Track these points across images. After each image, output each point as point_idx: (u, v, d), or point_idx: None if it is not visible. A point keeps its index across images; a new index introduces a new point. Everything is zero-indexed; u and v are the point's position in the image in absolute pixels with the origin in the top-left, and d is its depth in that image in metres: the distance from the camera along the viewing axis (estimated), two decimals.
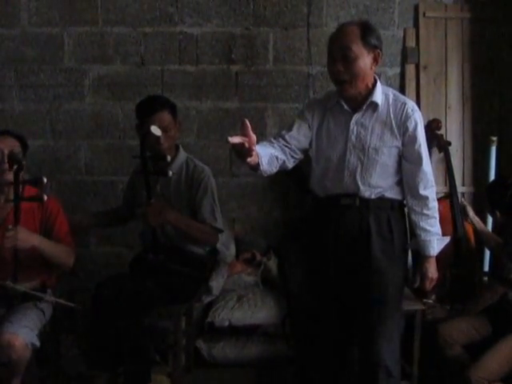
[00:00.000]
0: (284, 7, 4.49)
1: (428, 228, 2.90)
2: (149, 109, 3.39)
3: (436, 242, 2.91)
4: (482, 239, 3.89)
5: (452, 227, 4.02)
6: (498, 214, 3.52)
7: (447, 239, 3.00)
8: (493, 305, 3.51)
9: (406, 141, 2.85)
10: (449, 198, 4.13)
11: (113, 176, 4.49)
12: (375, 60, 2.77)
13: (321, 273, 2.98)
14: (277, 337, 4.00)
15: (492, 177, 4.12)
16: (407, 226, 3.00)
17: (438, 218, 2.95)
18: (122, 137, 4.46)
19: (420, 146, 2.85)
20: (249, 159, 2.54)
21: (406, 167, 2.89)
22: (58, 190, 4.42)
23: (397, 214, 2.93)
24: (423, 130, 2.90)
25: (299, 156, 2.95)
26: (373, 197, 2.87)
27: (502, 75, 4.58)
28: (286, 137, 2.90)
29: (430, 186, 2.89)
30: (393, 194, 2.91)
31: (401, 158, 2.89)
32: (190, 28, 4.46)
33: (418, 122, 2.84)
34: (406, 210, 3.00)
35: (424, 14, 4.53)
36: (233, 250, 4.30)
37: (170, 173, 3.25)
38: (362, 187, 2.86)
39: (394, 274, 2.89)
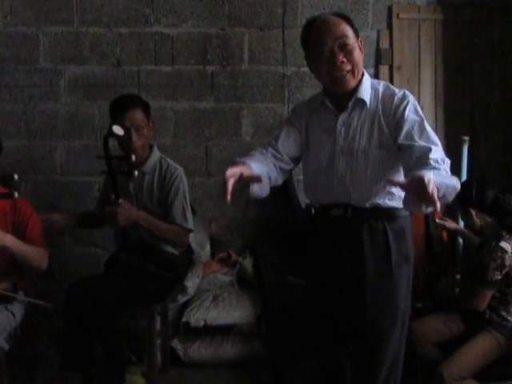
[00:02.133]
0: (259, 8, 4.47)
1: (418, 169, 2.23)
2: (120, 106, 3.35)
3: (429, 171, 2.14)
4: (466, 241, 3.84)
5: (424, 225, 3.97)
6: (473, 213, 3.42)
7: (456, 180, 2.24)
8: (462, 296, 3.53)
9: (396, 131, 2.46)
10: None
11: (89, 177, 4.42)
12: (360, 49, 2.52)
13: (314, 289, 2.73)
14: (252, 336, 3.96)
15: (464, 177, 4.06)
16: (409, 239, 2.60)
17: (441, 169, 2.24)
18: (97, 137, 4.40)
19: (410, 128, 2.41)
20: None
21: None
22: (34, 191, 4.38)
23: (395, 225, 2.53)
24: (417, 112, 2.45)
25: (290, 167, 2.66)
26: (367, 206, 2.51)
27: (474, 76, 4.61)
28: (277, 145, 2.60)
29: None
30: (390, 202, 2.53)
31: (397, 161, 2.50)
32: (165, 28, 4.43)
33: (406, 107, 2.45)
34: (408, 220, 2.61)
35: (398, 16, 4.53)
36: (208, 249, 4.28)
37: (136, 173, 3.20)
38: (353, 195, 2.51)
39: (392, 294, 2.54)
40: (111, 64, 4.41)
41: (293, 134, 2.64)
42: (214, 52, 4.47)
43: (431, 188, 1.94)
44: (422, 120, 2.44)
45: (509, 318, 3.27)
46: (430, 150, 2.31)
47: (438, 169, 2.22)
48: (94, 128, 4.42)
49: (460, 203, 3.44)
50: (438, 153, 2.32)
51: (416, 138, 2.38)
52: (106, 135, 3.20)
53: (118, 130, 3.15)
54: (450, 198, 2.18)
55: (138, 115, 3.35)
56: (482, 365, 3.16)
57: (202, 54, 4.46)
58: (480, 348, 3.17)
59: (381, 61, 4.55)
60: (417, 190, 1.98)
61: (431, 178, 1.98)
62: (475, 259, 3.40)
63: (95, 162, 4.16)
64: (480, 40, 4.58)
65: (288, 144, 2.62)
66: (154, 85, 4.45)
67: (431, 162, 2.25)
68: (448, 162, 2.31)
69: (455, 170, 4.13)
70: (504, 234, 3.30)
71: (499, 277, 3.22)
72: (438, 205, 1.99)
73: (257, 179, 2.26)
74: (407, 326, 2.66)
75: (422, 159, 2.29)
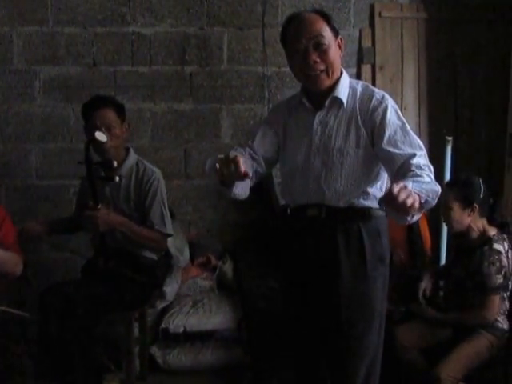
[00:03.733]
0: (238, 7, 4.50)
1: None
2: (91, 106, 3.39)
3: (409, 180, 2.19)
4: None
5: (406, 228, 4.05)
6: (475, 209, 3.39)
7: (435, 184, 2.27)
8: (446, 305, 3.56)
9: (376, 138, 2.51)
10: None
11: (64, 180, 4.43)
12: (339, 47, 2.57)
13: (289, 292, 2.78)
14: (233, 342, 3.99)
15: (447, 177, 4.13)
16: (385, 239, 2.63)
17: (423, 176, 2.27)
18: (73, 140, 4.42)
19: (393, 134, 2.46)
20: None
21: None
22: (8, 195, 4.40)
23: (370, 225, 2.58)
24: (398, 117, 2.51)
25: (263, 171, 2.70)
26: (341, 205, 2.55)
27: (458, 75, 4.65)
28: (254, 145, 2.67)
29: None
30: (365, 201, 2.58)
31: (373, 160, 2.56)
32: (142, 28, 4.45)
33: (386, 111, 2.50)
34: (384, 220, 2.64)
35: (380, 14, 4.57)
36: (187, 254, 4.27)
37: (117, 178, 3.24)
38: (327, 194, 2.55)
39: (368, 295, 2.58)
40: (87, 65, 4.43)
41: (269, 136, 2.70)
42: (192, 52, 4.49)
43: (401, 198, 1.97)
44: (403, 124, 2.50)
45: (499, 319, 3.33)
46: (413, 155, 2.36)
47: (420, 175, 2.25)
48: (69, 130, 4.43)
49: (464, 196, 3.40)
50: (421, 158, 2.36)
51: (399, 144, 2.43)
52: (88, 142, 3.22)
53: (100, 136, 3.18)
54: (434, 202, 2.21)
55: (109, 114, 3.39)
56: (474, 367, 3.22)
57: (180, 55, 4.49)
58: (473, 350, 3.23)
59: (363, 60, 4.59)
60: (390, 202, 2.01)
61: (403, 186, 2.01)
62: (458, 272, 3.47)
63: (71, 165, 4.32)
64: (463, 38, 4.62)
65: (263, 145, 2.68)
66: (131, 86, 4.47)
67: (414, 168, 2.30)
68: (431, 168, 2.36)
69: (439, 170, 4.27)
70: (493, 235, 3.36)
71: (501, 280, 3.28)
72: (415, 215, 2.11)
73: (246, 176, 2.21)
74: (384, 327, 2.69)
75: (406, 166, 2.35)
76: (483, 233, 3.42)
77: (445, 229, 4.14)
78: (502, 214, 3.70)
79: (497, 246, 3.32)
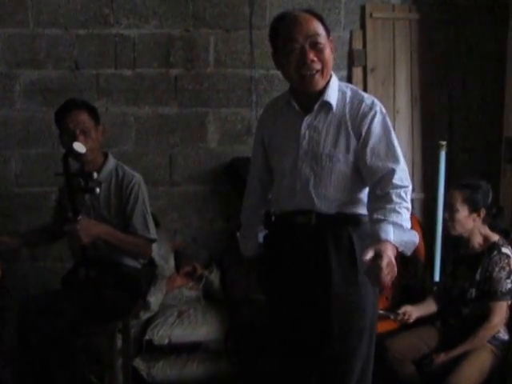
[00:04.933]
0: (225, 8, 4.49)
1: (380, 217, 2.38)
2: (63, 109, 3.38)
3: (391, 227, 2.33)
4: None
5: None
6: (482, 214, 3.44)
7: (414, 234, 2.41)
8: (442, 316, 3.61)
9: (361, 144, 2.54)
10: None
11: (46, 187, 4.41)
12: (331, 49, 2.55)
13: (277, 301, 2.77)
14: (220, 354, 3.97)
15: (442, 182, 4.14)
16: None
17: (402, 214, 2.40)
18: (55, 145, 4.36)
19: (377, 143, 2.52)
20: None
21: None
22: None
23: (361, 231, 2.58)
24: (385, 126, 2.55)
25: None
26: (331, 212, 2.56)
27: (451, 78, 4.66)
28: (262, 175, 2.83)
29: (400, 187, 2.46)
30: (355, 208, 2.61)
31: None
32: (126, 30, 4.44)
33: (374, 118, 2.53)
34: None
35: (371, 15, 4.57)
36: (172, 262, 4.27)
37: (98, 190, 3.19)
38: (316, 201, 2.56)
39: (359, 303, 2.59)
40: (69, 68, 4.42)
41: (259, 155, 2.81)
42: (177, 54, 4.49)
43: (383, 274, 2.18)
44: (389, 133, 2.54)
45: (501, 329, 3.38)
46: (393, 171, 2.43)
47: (399, 210, 2.37)
48: (50, 136, 4.39)
49: (472, 199, 3.45)
50: (401, 172, 2.44)
51: (381, 155, 2.49)
52: (66, 153, 3.19)
53: (78, 146, 3.15)
54: (409, 252, 2.35)
55: (83, 116, 3.35)
56: (481, 380, 3.27)
57: (164, 57, 4.48)
58: (479, 362, 3.28)
59: (354, 62, 4.59)
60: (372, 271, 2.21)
61: (388, 260, 2.20)
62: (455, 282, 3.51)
63: (52, 171, 4.20)
64: (456, 40, 4.64)
65: (261, 166, 2.81)
66: (114, 89, 4.46)
67: (392, 192, 2.40)
68: (410, 184, 2.46)
69: (432, 175, 4.27)
70: (497, 240, 3.41)
71: (510, 285, 3.32)
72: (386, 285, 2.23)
73: None
74: (375, 336, 2.70)
75: (385, 182, 2.43)
76: (486, 239, 3.46)
77: (439, 236, 4.12)
78: (503, 222, 3.70)
79: (505, 250, 3.37)
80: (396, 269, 2.23)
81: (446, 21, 4.64)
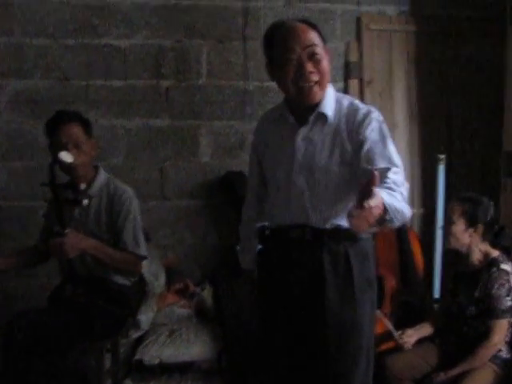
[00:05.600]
0: (218, 18, 4.49)
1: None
2: (55, 122, 3.34)
3: (383, 191, 2.17)
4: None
5: (398, 251, 4.04)
6: (480, 230, 3.40)
7: (407, 208, 2.28)
8: (442, 334, 3.56)
9: (357, 152, 2.46)
10: None
11: (32, 201, 4.34)
12: (327, 58, 2.54)
13: (270, 320, 2.70)
14: (213, 374, 3.91)
15: (441, 197, 4.15)
16: (372, 263, 2.62)
17: (397, 192, 2.26)
18: (42, 158, 4.23)
19: (372, 148, 2.43)
20: None
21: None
22: None
23: (358, 247, 2.55)
24: (381, 133, 2.47)
25: None
26: (326, 227, 2.51)
27: (449, 90, 4.67)
28: (261, 189, 2.78)
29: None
30: None
31: (360, 178, 2.45)
32: (116, 40, 4.42)
33: (370, 125, 2.46)
34: (370, 242, 2.65)
35: (367, 27, 4.58)
36: (163, 279, 4.23)
37: (85, 201, 3.19)
38: (311, 215, 2.51)
39: (356, 321, 2.53)
40: (57, 78, 4.38)
41: (255, 168, 2.77)
42: (169, 66, 4.46)
43: (373, 202, 1.98)
44: (386, 139, 2.47)
45: (502, 348, 3.32)
46: (388, 169, 2.35)
47: (394, 190, 2.25)
48: (37, 148, 4.33)
49: (470, 213, 3.41)
50: (397, 175, 2.35)
51: (376, 159, 2.41)
52: (52, 163, 3.16)
53: (65, 156, 3.12)
54: (397, 223, 2.21)
55: (75, 130, 3.32)
56: None
57: (156, 68, 4.46)
58: (481, 381, 3.25)
59: (350, 75, 4.58)
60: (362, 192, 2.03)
61: (381, 197, 2.06)
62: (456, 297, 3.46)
63: (39, 185, 4.15)
64: (454, 52, 4.66)
65: (258, 178, 2.77)
66: (104, 101, 4.43)
67: (388, 181, 2.29)
68: (407, 186, 2.35)
69: (431, 189, 4.24)
70: (497, 256, 3.37)
71: (510, 302, 3.28)
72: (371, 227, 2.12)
73: None
74: (373, 354, 2.64)
75: (380, 178, 2.29)
76: (486, 255, 3.42)
77: (439, 252, 4.15)
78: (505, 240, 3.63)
79: (504, 267, 3.33)
80: (374, 216, 2.04)
81: (443, 32, 4.66)
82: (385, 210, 2.11)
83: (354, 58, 4.59)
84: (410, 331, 3.56)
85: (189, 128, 4.52)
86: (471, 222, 3.39)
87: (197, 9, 4.45)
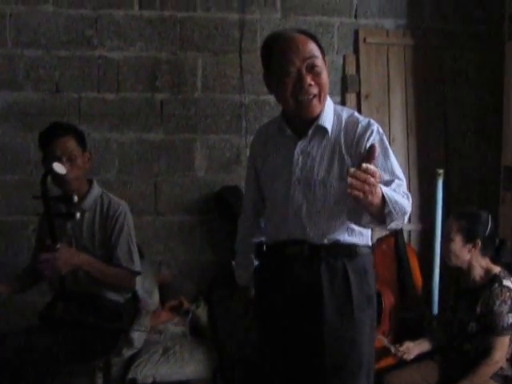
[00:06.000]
0: (214, 30, 4.46)
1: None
2: (50, 134, 3.29)
3: (382, 186, 2.15)
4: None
5: (396, 267, 4.04)
6: (478, 245, 3.38)
7: (407, 204, 2.26)
8: (443, 351, 3.54)
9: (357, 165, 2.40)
10: (393, 236, 4.12)
11: (23, 216, 4.29)
12: (327, 71, 2.51)
13: (267, 337, 2.67)
14: None
15: (439, 211, 4.09)
16: (371, 279, 2.58)
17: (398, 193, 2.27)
18: (33, 172, 4.29)
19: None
20: None
21: None
22: None
23: (357, 263, 2.51)
24: (382, 145, 2.42)
25: None
26: (325, 242, 2.47)
27: (447, 104, 4.67)
28: (258, 203, 2.74)
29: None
30: (351, 237, 2.51)
31: None
32: (110, 52, 4.38)
33: (370, 138, 2.43)
34: (370, 258, 2.61)
35: (364, 40, 4.56)
36: (157, 296, 4.15)
37: (78, 215, 3.13)
38: (309, 230, 2.48)
39: (355, 340, 2.49)
40: (49, 90, 4.33)
41: (252, 182, 2.74)
42: (163, 78, 4.43)
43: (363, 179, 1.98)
44: (386, 152, 2.43)
45: (504, 365, 3.30)
46: (391, 182, 2.32)
47: (395, 191, 2.24)
48: (29, 162, 4.30)
49: (467, 229, 3.40)
50: (400, 188, 2.32)
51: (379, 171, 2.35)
52: (45, 174, 3.11)
53: (59, 167, 3.07)
54: (396, 217, 2.19)
55: (70, 143, 3.28)
56: None
57: (150, 81, 4.42)
58: None
59: (347, 88, 4.56)
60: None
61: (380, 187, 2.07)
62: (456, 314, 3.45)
63: (30, 199, 4.09)
64: (452, 66, 4.67)
65: (255, 192, 2.72)
66: (96, 114, 4.38)
67: (391, 186, 2.28)
68: (410, 196, 2.32)
69: (429, 204, 4.19)
70: (499, 272, 3.35)
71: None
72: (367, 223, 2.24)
73: None
74: (373, 373, 2.60)
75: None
76: (487, 271, 3.40)
77: (437, 268, 4.08)
78: (506, 255, 3.64)
79: (506, 283, 3.31)
80: (372, 183, 2.02)
81: (440, 46, 4.66)
82: (383, 200, 2.11)
83: (351, 71, 4.57)
84: (408, 343, 3.54)
85: (183, 142, 4.47)
86: (469, 238, 3.37)
87: (192, 21, 4.42)
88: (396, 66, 4.60)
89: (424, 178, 4.53)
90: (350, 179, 1.97)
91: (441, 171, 4.10)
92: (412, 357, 3.50)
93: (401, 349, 3.50)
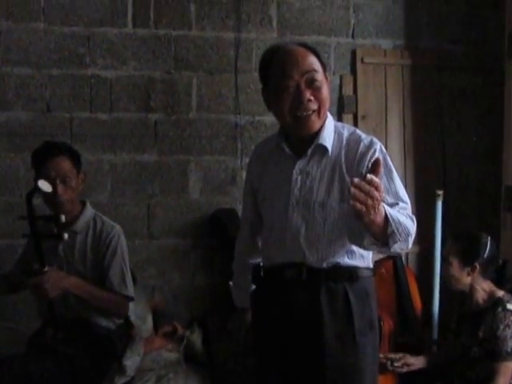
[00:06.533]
0: (209, 50, 4.41)
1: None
2: (44, 154, 3.25)
3: (385, 205, 2.07)
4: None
5: (395, 291, 4.02)
6: (477, 269, 3.34)
7: (411, 225, 2.17)
8: (445, 376, 3.50)
9: None
10: (392, 259, 4.09)
11: (12, 239, 4.16)
12: (328, 86, 2.46)
13: (266, 363, 2.60)
14: None
15: (439, 234, 4.03)
16: (373, 302, 2.52)
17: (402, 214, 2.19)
18: (22, 194, 4.09)
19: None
20: None
21: None
22: None
23: (358, 286, 2.45)
24: (385, 165, 2.31)
25: None
26: (324, 266, 2.41)
27: (445, 125, 4.67)
28: (255, 223, 2.68)
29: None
30: (352, 260, 2.45)
31: None
32: (103, 71, 4.30)
33: (373, 157, 2.32)
34: (371, 281, 2.56)
35: (362, 60, 4.54)
36: (150, 322, 4.09)
37: (66, 235, 3.06)
38: (308, 253, 2.41)
39: (357, 367, 2.43)
40: (40, 110, 4.25)
41: (249, 202, 2.69)
42: (157, 98, 4.37)
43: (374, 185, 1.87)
44: (390, 173, 2.35)
45: None
46: (395, 204, 2.24)
47: (399, 212, 2.15)
48: (18, 184, 4.21)
49: (465, 252, 3.37)
50: (404, 210, 2.25)
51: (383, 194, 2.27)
52: (30, 192, 3.07)
53: (44, 185, 3.04)
54: (399, 238, 2.09)
55: (65, 164, 3.24)
56: None
57: (144, 101, 4.36)
58: None
59: (344, 109, 4.52)
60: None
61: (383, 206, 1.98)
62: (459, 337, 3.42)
63: (20, 222, 4.00)
64: (450, 86, 4.68)
65: (252, 213, 2.68)
66: (88, 134, 4.30)
67: (395, 209, 2.19)
68: (414, 220, 2.22)
69: (428, 226, 4.12)
70: (502, 295, 3.32)
71: None
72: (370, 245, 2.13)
73: None
74: None
75: None
76: (491, 294, 3.36)
77: (437, 291, 4.01)
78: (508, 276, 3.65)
79: (510, 307, 3.27)
80: (376, 197, 1.90)
81: (438, 67, 4.66)
82: (386, 220, 2.02)
83: (348, 92, 4.54)
84: (404, 356, 3.58)
85: (177, 163, 4.41)
86: (467, 262, 3.35)
87: (187, 39, 4.37)
88: (394, 86, 4.59)
89: (421, 199, 4.48)
90: (353, 189, 1.86)
91: (440, 192, 4.06)
92: (409, 370, 3.53)
93: (396, 364, 3.53)
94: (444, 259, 3.48)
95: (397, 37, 4.60)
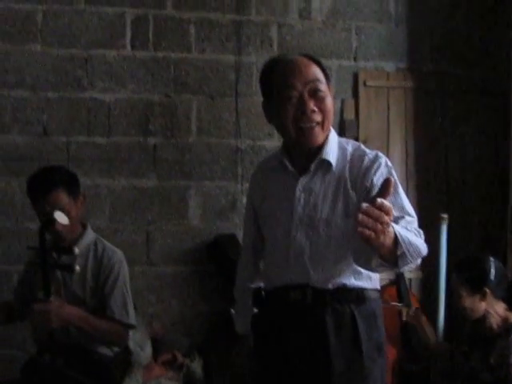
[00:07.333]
0: (209, 73, 4.41)
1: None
2: (38, 188, 3.13)
3: (395, 225, 1.97)
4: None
5: (398, 320, 3.95)
6: (487, 294, 3.27)
7: (423, 244, 2.09)
8: None
9: (365, 200, 2.18)
10: (395, 285, 4.02)
11: (7, 265, 4.14)
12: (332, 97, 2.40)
13: None
14: None
15: (444, 258, 3.98)
16: (381, 325, 2.45)
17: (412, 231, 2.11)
18: (19, 219, 4.17)
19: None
20: None
21: None
22: None
23: (365, 308, 2.37)
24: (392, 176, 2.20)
25: None
26: (330, 287, 2.34)
27: (448, 148, 4.64)
28: (257, 246, 2.61)
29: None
30: (358, 281, 2.38)
31: None
32: (101, 94, 4.31)
33: (378, 171, 2.29)
34: (379, 303, 2.49)
35: (364, 83, 4.53)
36: (149, 350, 4.04)
37: (78, 268, 2.96)
38: (312, 274, 2.34)
39: None
40: (36, 133, 4.24)
41: (251, 223, 2.61)
42: (156, 122, 4.36)
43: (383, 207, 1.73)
44: (395, 187, 2.23)
45: None
46: (401, 218, 2.15)
47: (409, 230, 2.06)
48: (14, 209, 4.17)
49: (471, 279, 3.30)
50: (411, 225, 2.16)
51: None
52: (44, 224, 2.97)
53: (60, 217, 2.94)
54: (411, 260, 1.99)
55: (61, 197, 3.11)
56: None
57: (142, 124, 4.35)
58: None
59: (345, 133, 4.44)
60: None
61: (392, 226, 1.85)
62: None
63: (15, 248, 4.13)
64: (453, 110, 4.65)
65: (254, 234, 2.60)
66: (86, 159, 4.28)
67: (401, 223, 2.11)
68: (422, 234, 2.14)
69: (433, 252, 4.06)
70: None
71: None
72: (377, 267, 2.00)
73: None
74: None
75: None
76: (505, 320, 3.28)
77: (441, 318, 3.95)
78: None
79: None
80: (385, 221, 1.77)
81: (441, 89, 4.66)
82: (396, 241, 1.90)
83: (349, 115, 4.53)
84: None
85: (177, 188, 4.39)
86: (476, 289, 3.27)
87: (187, 62, 4.37)
88: (396, 109, 4.58)
89: (424, 223, 4.33)
90: (360, 216, 1.75)
91: (445, 216, 4.01)
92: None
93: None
94: (452, 294, 3.41)
95: (399, 59, 4.60)
